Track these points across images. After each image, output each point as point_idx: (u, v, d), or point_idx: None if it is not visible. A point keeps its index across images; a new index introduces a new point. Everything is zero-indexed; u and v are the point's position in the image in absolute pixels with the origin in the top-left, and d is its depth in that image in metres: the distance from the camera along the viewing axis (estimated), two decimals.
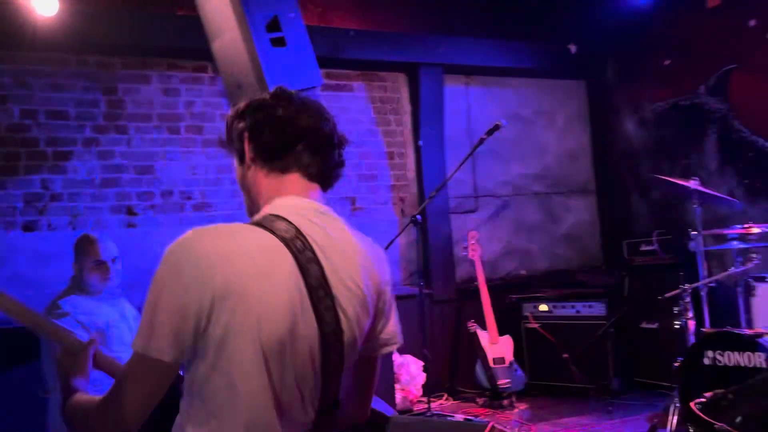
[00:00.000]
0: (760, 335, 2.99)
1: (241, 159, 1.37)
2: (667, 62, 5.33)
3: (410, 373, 4.64)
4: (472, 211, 5.65)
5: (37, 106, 4.23)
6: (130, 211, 4.41)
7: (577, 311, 4.93)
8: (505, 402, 4.63)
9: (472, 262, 5.05)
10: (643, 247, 4.95)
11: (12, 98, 4.18)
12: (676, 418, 3.38)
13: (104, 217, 4.35)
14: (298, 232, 1.24)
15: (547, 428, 4.11)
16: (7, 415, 3.06)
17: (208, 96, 4.63)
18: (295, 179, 1.33)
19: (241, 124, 1.35)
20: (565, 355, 4.73)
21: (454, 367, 5.26)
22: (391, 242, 4.32)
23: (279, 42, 4.03)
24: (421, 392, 4.62)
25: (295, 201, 1.30)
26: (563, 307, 4.99)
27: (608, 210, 5.98)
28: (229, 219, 4.55)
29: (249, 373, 1.17)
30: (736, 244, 3.64)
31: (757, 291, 3.67)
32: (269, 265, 1.19)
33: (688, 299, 3.51)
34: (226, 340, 1.15)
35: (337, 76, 5.19)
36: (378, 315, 1.36)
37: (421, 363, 4.66)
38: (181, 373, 1.23)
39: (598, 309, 4.84)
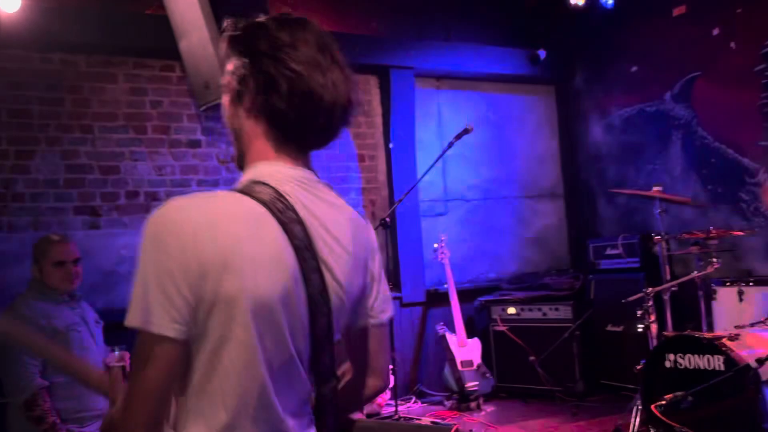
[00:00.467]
0: (719, 338, 3.05)
1: (237, 98, 1.22)
2: (633, 69, 5.42)
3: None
4: (442, 214, 5.68)
5: None
6: (94, 212, 4.33)
7: (544, 314, 4.97)
8: (473, 405, 4.65)
9: (441, 265, 5.06)
10: (609, 251, 5.02)
11: None
12: (638, 420, 3.44)
13: (67, 218, 4.26)
14: (278, 194, 1.18)
15: (513, 430, 4.14)
16: None
17: (175, 96, 4.57)
18: (291, 149, 1.24)
19: (243, 61, 1.20)
20: (532, 358, 4.77)
21: (423, 370, 5.27)
22: None
23: None
24: (389, 395, 4.61)
25: (281, 168, 1.22)
26: (530, 310, 5.04)
27: (576, 214, 6.05)
28: None
29: (242, 340, 1.12)
30: (697, 249, 3.70)
31: (717, 295, 3.75)
32: (253, 228, 1.13)
33: (650, 303, 3.57)
34: (216, 308, 1.10)
35: None
36: (369, 280, 1.32)
37: (390, 366, 4.66)
38: None
39: (564, 312, 4.90)
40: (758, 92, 4.53)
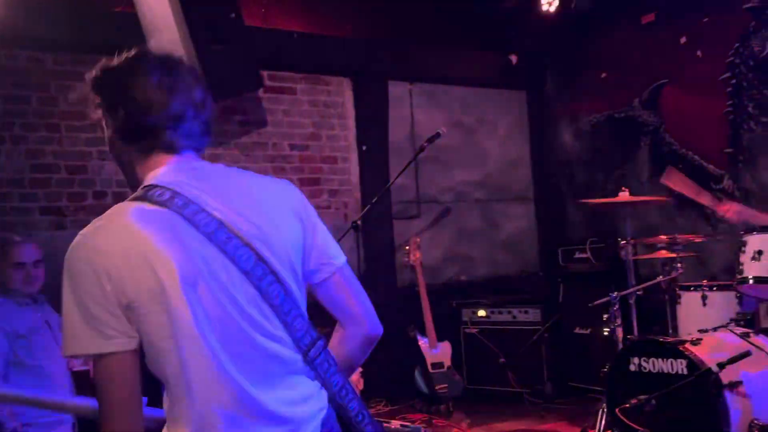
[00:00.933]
0: (682, 342, 3.10)
1: (106, 132, 1.38)
2: (603, 75, 5.50)
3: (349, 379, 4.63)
4: (414, 217, 5.69)
5: None
6: (60, 213, 4.26)
7: (514, 317, 5.02)
8: (443, 407, 4.66)
9: (413, 268, 5.07)
10: (578, 255, 5.09)
11: None
12: (604, 422, 3.48)
13: (33, 218, 4.18)
14: (175, 193, 1.27)
15: None
16: None
17: None
18: (162, 156, 1.35)
19: (96, 98, 1.37)
20: (502, 360, 4.81)
21: (394, 373, 5.27)
22: None
23: (218, 43, 3.97)
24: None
25: (169, 169, 1.33)
26: (500, 312, 5.08)
27: (546, 217, 6.12)
28: None
29: (163, 335, 1.22)
30: (663, 254, 3.76)
31: (682, 299, 3.82)
32: (152, 232, 1.23)
33: (616, 307, 3.61)
34: (142, 316, 1.22)
35: (280, 78, 5.14)
36: (305, 234, 1.40)
37: (360, 369, 4.65)
38: None
39: (533, 315, 4.95)
40: (724, 100, 4.63)
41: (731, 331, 3.32)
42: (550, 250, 5.74)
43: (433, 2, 5.56)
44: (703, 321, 3.60)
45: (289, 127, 5.19)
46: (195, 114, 1.36)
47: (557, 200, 5.98)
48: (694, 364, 2.99)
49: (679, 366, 3.07)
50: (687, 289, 3.79)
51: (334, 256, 1.47)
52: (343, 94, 5.45)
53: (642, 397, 3.01)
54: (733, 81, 4.58)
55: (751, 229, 3.23)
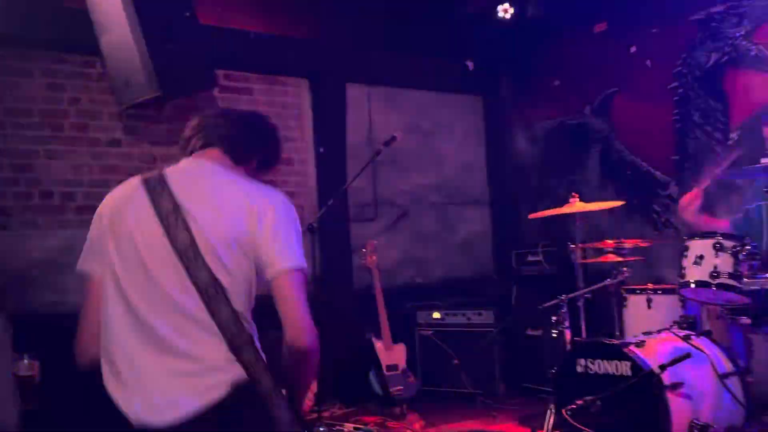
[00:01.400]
0: (626, 344, 3.18)
1: None
2: (556, 83, 5.61)
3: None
4: (371, 220, 5.70)
5: None
6: (4, 212, 4.13)
7: (468, 319, 5.08)
8: (398, 409, 4.68)
9: (370, 270, 5.08)
10: (530, 258, 5.18)
11: None
12: (552, 423, 3.55)
13: None
14: (160, 176, 1.71)
15: None
16: None
17: (96, 93, 4.41)
18: (188, 155, 1.83)
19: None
20: (456, 362, 4.86)
21: (349, 375, 5.27)
22: None
23: (172, 41, 3.91)
24: (312, 402, 4.59)
25: (180, 164, 1.80)
26: (455, 315, 5.13)
27: (500, 221, 6.21)
28: None
29: (110, 272, 1.67)
30: (610, 257, 3.86)
31: (628, 302, 3.92)
32: (125, 202, 1.71)
33: (564, 309, 3.69)
34: (102, 248, 1.70)
35: (236, 78, 5.09)
36: (253, 239, 1.64)
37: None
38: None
39: (487, 317, 5.01)
40: (671, 109, 4.78)
41: (674, 333, 3.42)
42: (504, 253, 5.83)
43: (392, 7, 5.59)
44: (648, 323, 3.71)
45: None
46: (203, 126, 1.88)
47: (512, 204, 6.07)
48: (637, 366, 3.07)
49: (624, 368, 3.14)
50: (633, 292, 3.90)
51: (279, 260, 1.64)
52: (300, 95, 5.43)
53: (587, 398, 3.08)
54: (680, 90, 4.73)
55: (693, 234, 3.34)
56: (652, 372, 2.97)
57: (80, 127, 4.38)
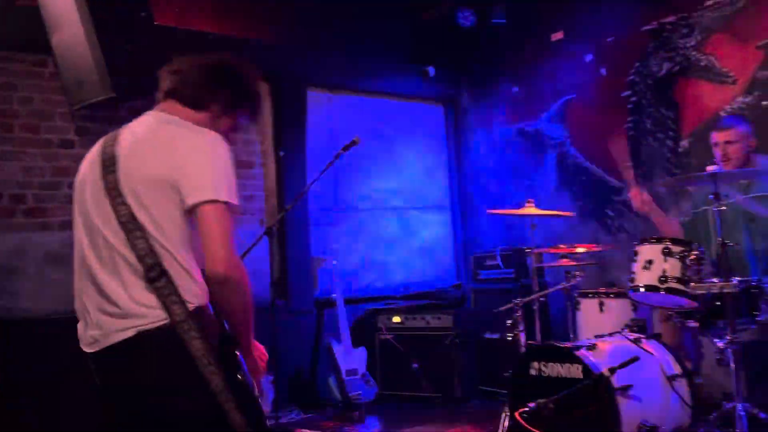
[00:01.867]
0: (578, 348, 3.23)
1: None
2: (515, 89, 5.69)
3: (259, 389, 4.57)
4: (332, 224, 5.70)
5: None
6: None
7: (428, 323, 5.10)
8: (356, 414, 4.68)
9: (330, 275, 5.07)
10: (488, 262, 5.23)
11: None
12: (506, 426, 3.59)
13: None
14: (116, 133, 1.90)
15: None
16: None
17: (48, 92, 4.31)
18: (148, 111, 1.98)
19: None
20: (415, 366, 4.88)
21: (310, 380, 5.25)
22: (246, 253, 4.25)
23: (126, 41, 3.85)
24: (270, 407, 4.56)
25: (138, 118, 1.95)
26: (414, 318, 5.15)
27: (461, 225, 6.26)
28: (66, 227, 4.28)
29: (74, 220, 1.91)
30: (564, 262, 3.92)
31: (581, 306, 3.99)
32: (86, 164, 1.92)
33: (519, 313, 3.74)
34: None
35: None
36: (174, 172, 1.75)
37: (270, 377, 4.61)
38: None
39: (446, 320, 5.04)
40: (625, 116, 4.89)
41: (625, 336, 3.48)
42: (464, 258, 5.88)
43: (354, 13, 5.60)
44: (601, 327, 3.77)
45: None
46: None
47: (472, 209, 6.14)
48: (588, 369, 3.12)
49: (575, 371, 3.18)
50: (586, 296, 3.96)
51: (198, 192, 1.74)
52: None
53: (540, 401, 3.11)
54: (633, 98, 4.84)
55: (643, 239, 3.41)
56: (601, 375, 3.02)
57: (31, 128, 4.28)
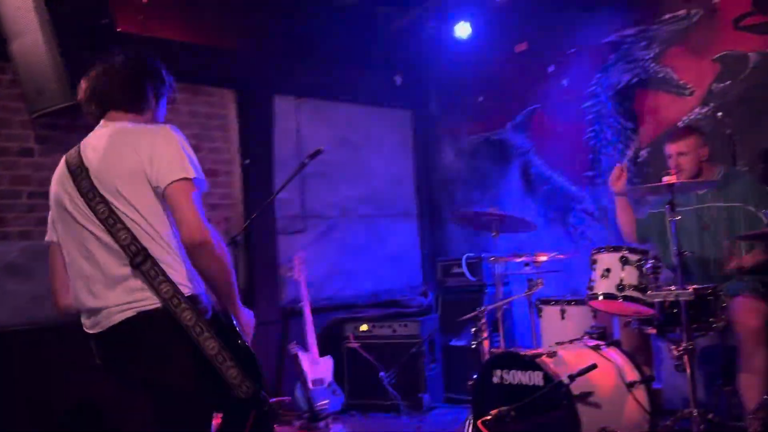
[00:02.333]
0: (539, 355, 3.28)
1: None
2: (480, 99, 5.76)
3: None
4: (299, 232, 5.68)
5: None
6: None
7: (394, 331, 5.12)
8: (322, 424, 4.67)
9: (297, 283, 5.06)
10: (455, 270, 5.27)
11: None
12: None
13: None
14: (78, 148, 2.11)
15: None
16: None
17: (6, 100, 4.22)
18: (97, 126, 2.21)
19: None
20: (382, 374, 4.89)
21: (276, 390, 5.22)
22: None
23: (87, 48, 3.81)
24: None
25: (92, 133, 2.18)
26: (381, 327, 5.16)
27: (428, 233, 6.30)
28: (25, 237, 4.20)
29: (57, 229, 2.16)
30: (527, 270, 3.98)
31: (543, 313, 4.05)
32: (57, 180, 2.13)
33: (483, 320, 3.78)
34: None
35: None
36: (141, 164, 1.98)
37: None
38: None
39: (413, 328, 5.07)
40: (585, 127, 4.98)
41: (585, 343, 3.55)
42: (431, 265, 5.92)
43: (322, 20, 5.61)
44: (562, 334, 3.84)
45: None
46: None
47: (438, 217, 6.18)
48: (549, 376, 3.17)
49: (536, 378, 3.23)
50: (548, 303, 4.02)
51: (166, 175, 1.96)
52: (226, 106, 5.36)
53: (502, 408, 3.15)
54: (594, 109, 4.94)
55: (600, 248, 3.48)
56: (561, 382, 3.07)
57: None
